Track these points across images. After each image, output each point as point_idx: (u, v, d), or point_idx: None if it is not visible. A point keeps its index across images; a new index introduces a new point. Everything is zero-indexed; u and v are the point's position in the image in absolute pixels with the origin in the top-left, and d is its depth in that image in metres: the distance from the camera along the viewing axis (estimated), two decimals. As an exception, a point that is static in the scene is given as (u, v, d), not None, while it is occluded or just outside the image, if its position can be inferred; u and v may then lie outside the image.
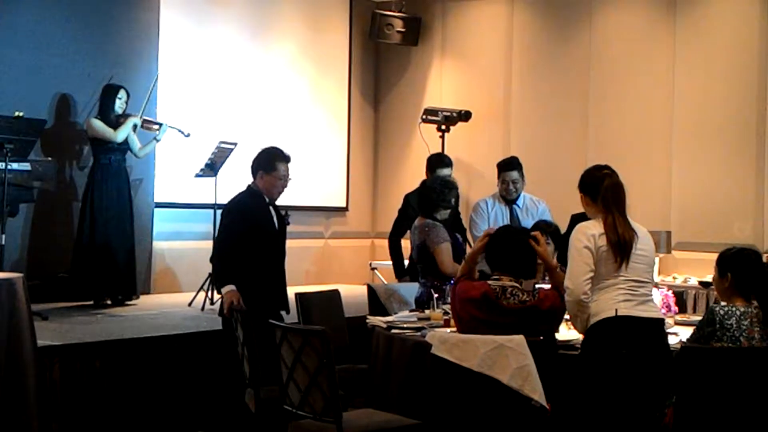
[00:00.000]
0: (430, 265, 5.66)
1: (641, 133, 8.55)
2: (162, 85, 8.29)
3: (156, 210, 8.29)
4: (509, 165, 6.76)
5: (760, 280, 4.03)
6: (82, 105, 7.68)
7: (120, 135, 7.29)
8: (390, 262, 8.51)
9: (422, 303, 5.50)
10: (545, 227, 5.51)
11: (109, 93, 7.42)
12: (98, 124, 7.26)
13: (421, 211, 5.85)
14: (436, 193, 5.76)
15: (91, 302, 7.18)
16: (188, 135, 7.84)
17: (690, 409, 3.71)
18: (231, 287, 5.05)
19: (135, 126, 7.45)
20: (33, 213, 7.31)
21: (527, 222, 6.35)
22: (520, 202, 6.75)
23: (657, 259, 7.57)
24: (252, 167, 5.30)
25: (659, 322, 3.99)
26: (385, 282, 8.39)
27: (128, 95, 7.50)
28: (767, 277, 4.05)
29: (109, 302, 7.23)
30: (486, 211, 6.72)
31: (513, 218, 6.66)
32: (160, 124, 7.64)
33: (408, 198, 7.30)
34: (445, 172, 7.08)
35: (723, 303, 4.06)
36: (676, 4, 8.42)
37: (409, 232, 7.03)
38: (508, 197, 6.72)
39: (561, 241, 5.30)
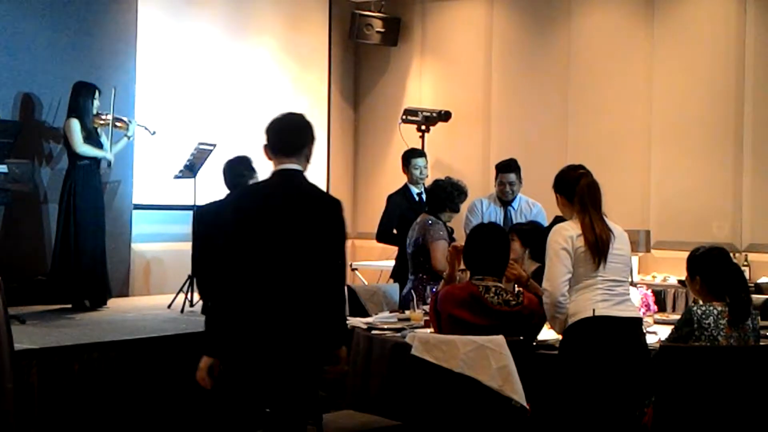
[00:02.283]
0: (424, 261, 5.73)
1: (620, 133, 8.58)
2: (140, 84, 8.25)
3: (135, 211, 8.23)
4: (507, 167, 6.86)
5: (729, 279, 4.04)
6: (56, 106, 7.58)
7: (82, 149, 7.13)
8: (371, 263, 8.54)
9: (409, 302, 5.56)
10: (519, 227, 5.59)
11: (86, 93, 7.26)
12: (74, 128, 7.12)
13: (429, 208, 5.92)
14: (446, 193, 5.87)
15: (69, 305, 7.13)
16: (154, 133, 7.77)
17: (669, 408, 3.73)
18: None
19: (106, 128, 7.36)
20: (9, 215, 7.25)
21: None
22: (515, 204, 6.82)
23: (636, 259, 7.61)
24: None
25: (637, 322, 4.02)
26: (366, 283, 8.39)
27: (99, 93, 7.36)
28: (735, 276, 4.06)
29: (87, 305, 7.18)
30: (480, 211, 6.80)
31: (507, 219, 6.71)
32: (128, 122, 7.51)
33: (391, 198, 7.31)
34: (420, 162, 7.23)
35: (701, 303, 4.07)
36: (654, 4, 8.45)
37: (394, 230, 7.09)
38: (504, 198, 6.80)
39: (535, 240, 5.35)
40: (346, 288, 3.89)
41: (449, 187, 5.94)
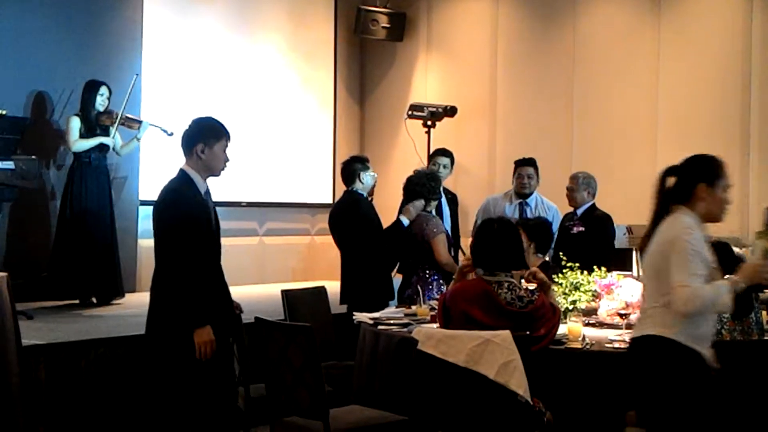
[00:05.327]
0: (422, 255, 5.76)
1: (626, 129, 8.57)
2: (146, 81, 8.25)
3: (141, 207, 8.24)
4: (524, 161, 6.99)
5: (730, 272, 4.02)
6: (63, 103, 7.62)
7: (77, 146, 7.15)
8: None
9: (409, 298, 5.58)
10: (525, 222, 5.61)
11: (90, 89, 7.28)
12: (72, 125, 7.14)
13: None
14: (424, 187, 5.93)
15: (77, 301, 7.14)
16: (171, 134, 7.64)
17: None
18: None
19: (112, 127, 7.36)
20: (17, 211, 7.26)
21: None
22: (531, 201, 6.85)
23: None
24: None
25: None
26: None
27: (110, 91, 7.36)
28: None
29: (94, 301, 7.19)
30: (493, 210, 6.85)
31: (522, 216, 6.72)
32: (141, 122, 7.51)
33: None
34: (441, 160, 7.29)
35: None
36: (661, 0, 8.44)
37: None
38: (522, 191, 6.84)
39: (540, 235, 5.36)
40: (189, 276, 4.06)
41: (425, 180, 6.01)
